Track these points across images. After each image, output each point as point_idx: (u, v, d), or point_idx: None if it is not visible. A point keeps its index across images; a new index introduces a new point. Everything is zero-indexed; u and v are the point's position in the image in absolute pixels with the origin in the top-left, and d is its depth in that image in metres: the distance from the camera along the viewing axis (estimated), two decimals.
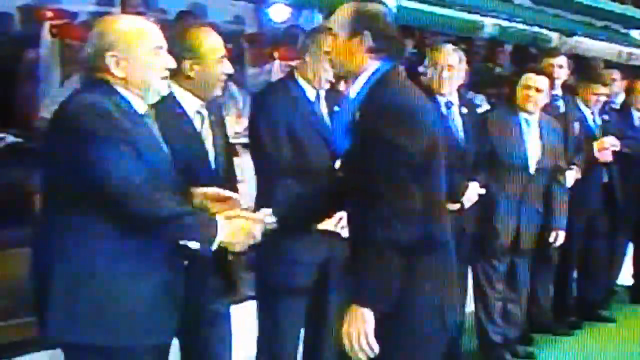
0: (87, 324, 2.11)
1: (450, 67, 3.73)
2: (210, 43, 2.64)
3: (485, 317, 4.15)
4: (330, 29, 2.35)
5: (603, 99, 4.80)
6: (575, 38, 7.55)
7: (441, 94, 3.76)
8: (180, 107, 2.63)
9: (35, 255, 2.20)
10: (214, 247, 2.20)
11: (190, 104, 2.65)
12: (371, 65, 2.28)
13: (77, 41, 4.25)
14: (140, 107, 2.21)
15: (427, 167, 2.20)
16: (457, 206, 3.68)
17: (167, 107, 2.54)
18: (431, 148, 2.22)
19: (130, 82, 2.18)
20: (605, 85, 4.80)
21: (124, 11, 5.24)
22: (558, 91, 4.57)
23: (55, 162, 2.14)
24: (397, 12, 5.52)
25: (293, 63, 3.54)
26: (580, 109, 4.76)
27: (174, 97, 2.62)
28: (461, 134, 3.79)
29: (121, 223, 2.10)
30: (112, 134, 2.08)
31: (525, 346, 4.44)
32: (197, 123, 2.66)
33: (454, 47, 3.91)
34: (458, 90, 3.89)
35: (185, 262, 2.36)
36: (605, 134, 4.79)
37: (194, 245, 2.22)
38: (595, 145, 4.69)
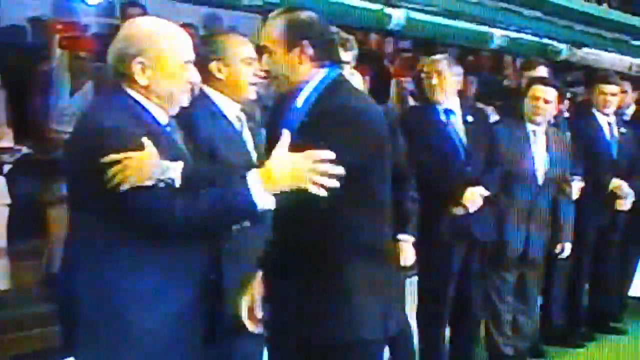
0: (111, 350, 2.00)
1: (439, 73, 3.75)
2: (237, 45, 2.67)
3: (495, 330, 4.14)
4: (264, 47, 2.23)
5: (613, 99, 4.74)
6: (585, 49, 7.55)
7: (436, 102, 3.77)
8: (218, 109, 2.64)
9: (63, 279, 2.17)
10: (261, 204, 1.94)
11: (229, 107, 2.67)
12: (317, 74, 2.21)
13: (86, 53, 4.29)
14: (162, 117, 2.09)
15: (369, 173, 2.15)
16: (461, 210, 3.68)
17: (205, 109, 2.59)
18: (376, 153, 2.17)
19: (152, 92, 2.05)
20: (609, 83, 4.74)
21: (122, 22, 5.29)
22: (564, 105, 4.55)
23: (76, 185, 2.05)
24: (406, 24, 5.57)
25: None
26: (597, 121, 4.73)
27: (211, 100, 2.65)
28: (464, 141, 3.77)
29: (147, 239, 1.97)
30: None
31: (537, 358, 4.42)
32: (237, 127, 2.67)
33: (443, 55, 3.96)
34: (462, 98, 3.92)
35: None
36: (620, 150, 4.76)
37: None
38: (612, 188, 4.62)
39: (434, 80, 3.75)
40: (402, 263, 3.43)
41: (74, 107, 4.10)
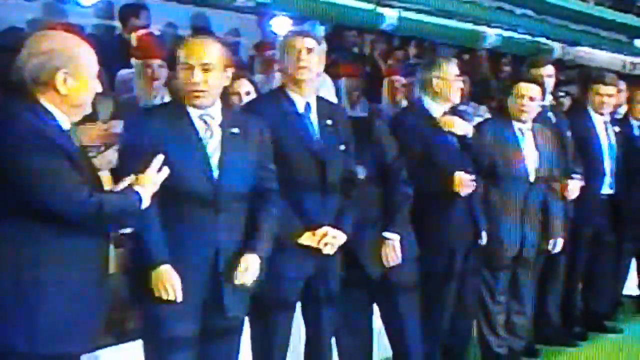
0: (14, 331, 2.17)
1: (458, 76, 3.74)
2: None
3: (487, 330, 4.12)
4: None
5: (610, 100, 4.71)
6: (578, 48, 7.56)
7: (444, 104, 3.74)
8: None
9: None
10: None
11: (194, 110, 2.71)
12: None
13: None
14: (65, 124, 2.29)
15: None
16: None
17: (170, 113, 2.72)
18: None
19: (69, 100, 2.26)
20: (606, 84, 4.71)
21: (124, 24, 5.29)
22: (547, 102, 4.47)
23: None
24: (399, 24, 5.57)
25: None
26: (592, 121, 4.72)
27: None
28: (456, 142, 3.73)
29: (50, 226, 2.18)
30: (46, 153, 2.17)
31: (531, 358, 4.41)
32: (201, 130, 2.68)
33: (453, 61, 3.89)
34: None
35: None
36: (614, 150, 4.75)
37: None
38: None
39: (457, 84, 3.71)
40: (385, 263, 3.39)
41: None
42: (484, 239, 3.84)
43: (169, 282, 2.57)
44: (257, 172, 2.77)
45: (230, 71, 2.73)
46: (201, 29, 5.38)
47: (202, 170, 2.64)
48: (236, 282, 2.68)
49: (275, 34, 5.66)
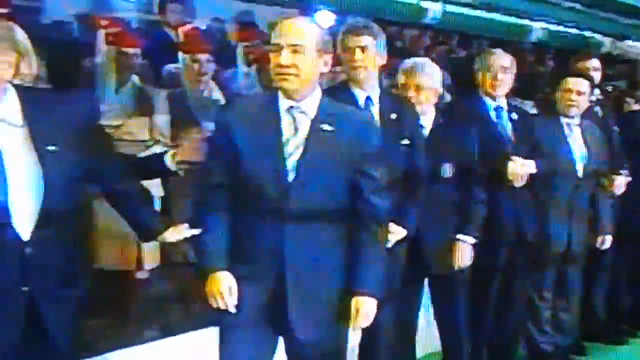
0: None
1: (505, 69, 3.69)
2: None
3: (534, 327, 4.09)
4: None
5: None
6: (628, 42, 7.42)
7: (492, 97, 3.71)
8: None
9: None
10: None
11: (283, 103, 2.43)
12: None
13: (131, 48, 4.32)
14: None
15: None
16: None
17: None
18: None
19: None
20: None
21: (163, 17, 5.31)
22: (595, 96, 4.39)
23: None
24: (442, 17, 5.52)
25: (338, 69, 3.50)
26: None
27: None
28: (512, 139, 3.72)
29: None
30: None
31: (578, 355, 4.36)
32: (285, 123, 2.38)
33: (500, 50, 3.86)
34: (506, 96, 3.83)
35: None
36: None
37: None
38: None
39: (500, 76, 3.65)
40: (455, 264, 3.40)
41: (122, 102, 4.13)
42: (530, 236, 3.79)
43: (223, 290, 2.33)
44: (350, 179, 2.39)
45: (328, 58, 2.40)
46: (247, 24, 5.40)
47: (273, 170, 2.33)
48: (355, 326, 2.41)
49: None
